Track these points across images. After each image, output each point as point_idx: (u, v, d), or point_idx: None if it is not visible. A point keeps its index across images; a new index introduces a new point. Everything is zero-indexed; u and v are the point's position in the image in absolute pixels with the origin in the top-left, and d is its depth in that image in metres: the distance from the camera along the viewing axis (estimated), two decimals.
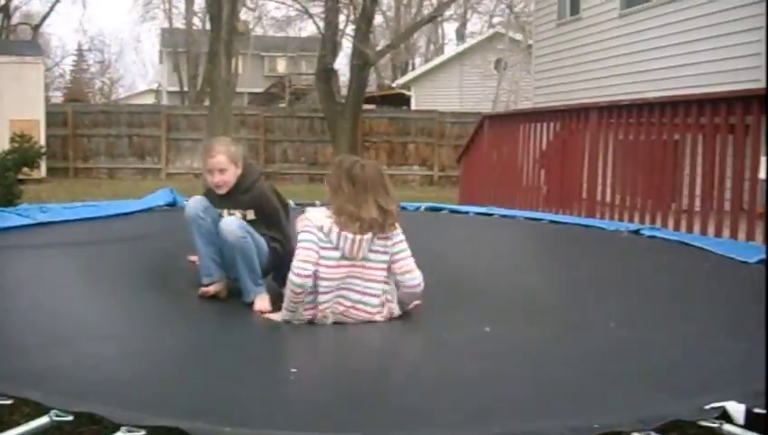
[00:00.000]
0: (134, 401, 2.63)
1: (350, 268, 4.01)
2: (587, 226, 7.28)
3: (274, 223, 4.66)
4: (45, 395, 2.58)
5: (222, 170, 4.60)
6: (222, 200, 4.64)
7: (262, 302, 4.37)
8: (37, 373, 2.91)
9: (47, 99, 23.82)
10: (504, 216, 8.02)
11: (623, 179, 8.67)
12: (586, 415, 2.59)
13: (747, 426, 2.56)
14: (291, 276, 3.93)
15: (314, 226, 3.99)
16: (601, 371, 3.20)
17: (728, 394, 2.69)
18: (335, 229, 3.96)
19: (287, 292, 3.98)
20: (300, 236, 4.02)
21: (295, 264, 3.94)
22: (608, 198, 8.89)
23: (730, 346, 3.47)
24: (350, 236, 3.95)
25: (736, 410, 2.62)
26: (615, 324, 3.88)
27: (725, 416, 2.60)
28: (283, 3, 26.52)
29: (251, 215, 4.61)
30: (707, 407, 2.62)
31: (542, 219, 7.77)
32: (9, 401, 2.59)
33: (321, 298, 3.98)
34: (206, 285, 4.51)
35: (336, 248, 3.97)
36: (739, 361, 3.21)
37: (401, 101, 30.73)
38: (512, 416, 2.70)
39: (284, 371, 3.26)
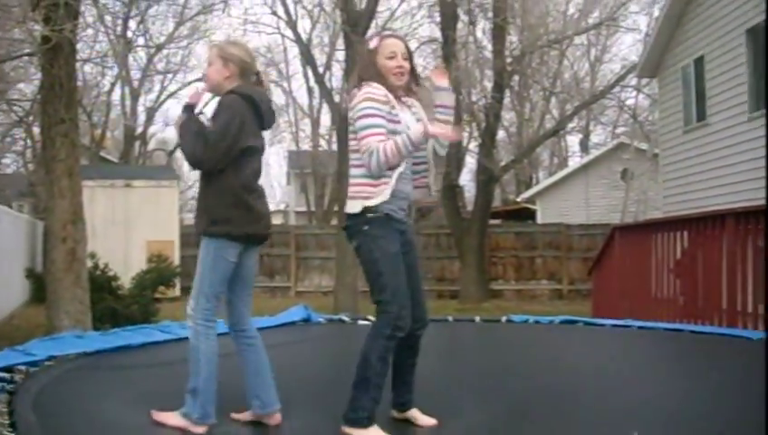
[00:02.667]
0: None
1: None
2: (731, 335, 7.03)
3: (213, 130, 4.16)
4: None
5: (208, 63, 4.36)
6: None
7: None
8: None
9: (181, 220, 24.72)
10: (641, 327, 7.82)
11: (765, 287, 8.36)
12: None
13: None
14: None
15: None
16: None
17: None
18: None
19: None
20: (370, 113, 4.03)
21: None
22: (749, 308, 8.57)
23: None
24: None
25: None
26: None
27: None
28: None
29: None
30: None
31: (682, 330, 7.54)
32: None
33: None
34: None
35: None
36: None
37: (527, 215, 30.64)
38: None
39: None
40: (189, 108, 4.29)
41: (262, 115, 4.30)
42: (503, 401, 4.63)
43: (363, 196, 4.04)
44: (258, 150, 4.35)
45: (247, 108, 4.19)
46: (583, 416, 4.39)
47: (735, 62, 13.50)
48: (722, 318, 8.90)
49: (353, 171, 4.13)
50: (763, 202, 9.70)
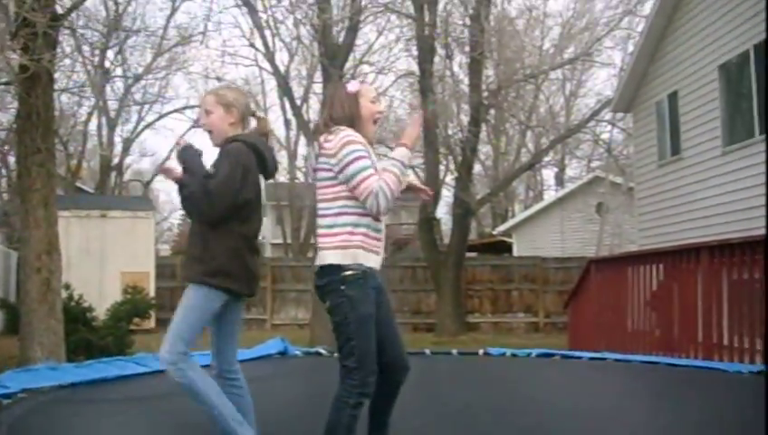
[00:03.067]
0: None
1: None
2: (707, 368, 7.06)
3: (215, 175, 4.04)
4: None
5: (207, 112, 4.24)
6: None
7: None
8: None
9: (157, 252, 24.61)
10: (618, 360, 7.84)
11: (740, 320, 8.41)
12: None
13: None
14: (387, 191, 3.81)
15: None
16: None
17: None
18: None
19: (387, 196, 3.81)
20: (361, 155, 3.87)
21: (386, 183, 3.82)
22: (725, 341, 8.61)
23: None
24: None
25: None
26: None
27: None
28: (384, 155, 27.07)
29: None
30: None
31: (658, 362, 7.57)
32: None
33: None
34: None
35: None
36: None
37: (503, 248, 30.71)
38: None
39: None
40: (188, 158, 4.18)
41: (266, 164, 4.24)
42: None
43: (341, 246, 3.83)
44: (260, 201, 4.26)
45: (252, 156, 4.11)
46: None
47: (708, 97, 13.67)
48: (698, 350, 8.94)
49: (327, 220, 3.90)
50: (732, 236, 9.80)
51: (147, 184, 37.11)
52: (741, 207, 12.43)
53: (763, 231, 9.11)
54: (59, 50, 12.12)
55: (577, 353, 8.46)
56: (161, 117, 33.80)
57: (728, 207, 12.81)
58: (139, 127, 34.05)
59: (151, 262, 21.08)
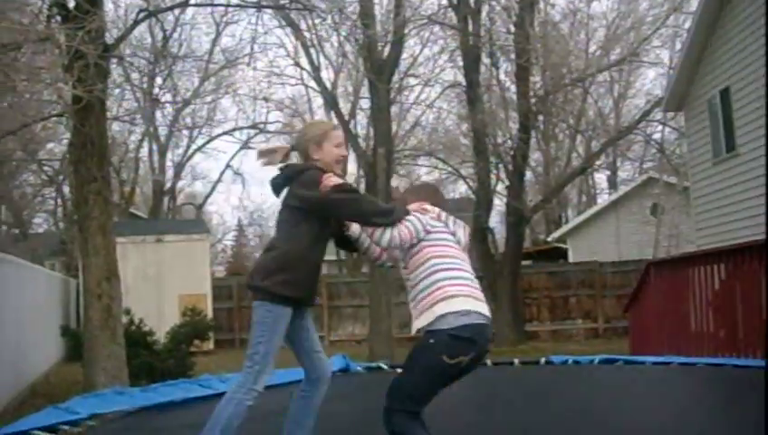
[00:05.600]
0: None
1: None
2: None
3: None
4: None
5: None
6: None
7: None
8: None
9: (212, 273, 24.85)
10: (683, 363, 7.71)
11: None
12: None
13: None
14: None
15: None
16: None
17: None
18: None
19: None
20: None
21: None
22: None
23: None
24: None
25: None
26: None
27: None
28: (435, 167, 27.05)
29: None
30: None
31: (723, 365, 7.43)
32: None
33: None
34: None
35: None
36: None
37: (558, 254, 30.48)
38: None
39: None
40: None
41: None
42: None
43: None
44: None
45: None
46: None
47: (761, 92, 13.44)
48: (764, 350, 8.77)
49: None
50: None
51: (200, 207, 37.46)
52: None
53: None
54: (109, 79, 12.30)
55: (640, 358, 8.32)
56: (211, 140, 34.08)
57: None
58: (190, 151, 34.40)
59: (208, 284, 21.27)
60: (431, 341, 4.02)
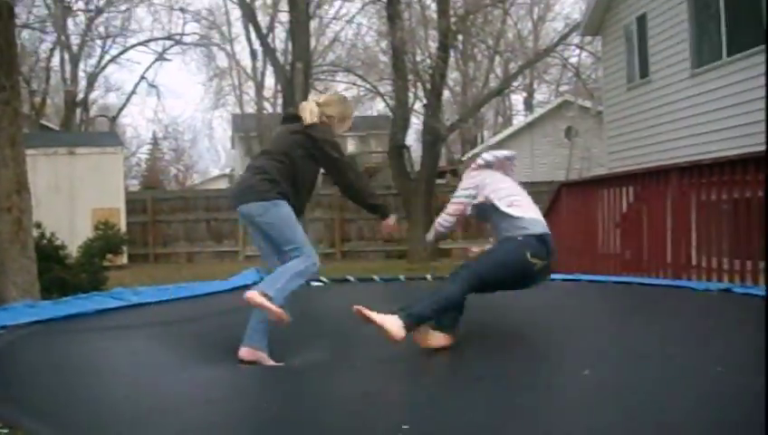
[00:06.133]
0: None
1: None
2: (676, 286, 7.19)
3: None
4: None
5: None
6: None
7: None
8: None
9: (126, 187, 24.53)
10: (591, 281, 7.96)
11: (709, 240, 8.56)
12: None
13: None
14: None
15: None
16: (714, 417, 3.13)
17: None
18: None
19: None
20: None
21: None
22: (694, 260, 8.76)
23: None
24: None
25: None
26: (722, 369, 3.80)
27: None
28: (353, 83, 26.92)
29: None
30: None
31: (630, 283, 7.69)
32: None
33: None
34: None
35: None
36: None
37: None
38: None
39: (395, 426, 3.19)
40: None
41: None
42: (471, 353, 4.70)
43: None
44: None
45: None
46: (544, 355, 4.52)
47: (677, 20, 13.66)
48: (667, 271, 9.10)
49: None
50: (702, 157, 9.90)
51: (114, 119, 36.69)
52: (709, 129, 12.53)
53: (732, 151, 9.23)
54: None
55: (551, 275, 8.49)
56: (125, 50, 33.39)
57: (697, 129, 12.91)
58: (103, 61, 33.56)
59: (121, 198, 21.00)
60: (520, 238, 4.75)
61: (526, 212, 4.93)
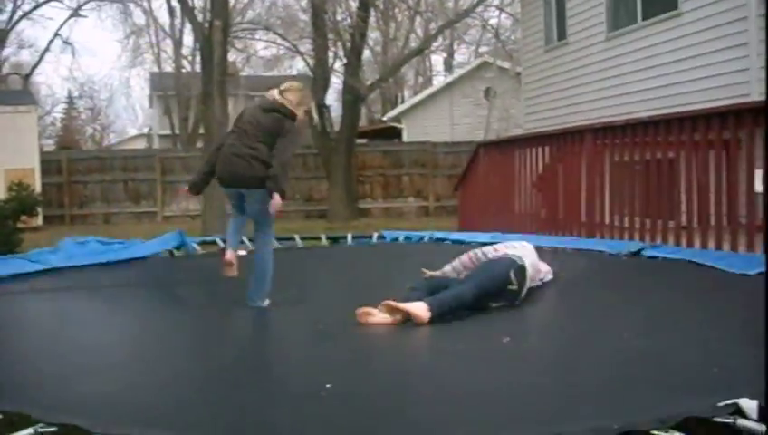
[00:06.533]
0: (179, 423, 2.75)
1: None
2: (588, 249, 7.39)
3: None
4: (87, 420, 2.68)
5: None
6: None
7: None
8: (76, 400, 3.02)
9: (40, 147, 23.95)
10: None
11: (621, 200, 8.79)
12: (605, 417, 2.69)
13: (760, 420, 2.67)
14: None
15: None
16: (619, 375, 3.30)
17: (741, 393, 2.80)
18: None
19: None
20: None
21: None
22: (607, 219, 9.00)
23: (738, 351, 3.57)
24: None
25: (749, 406, 2.73)
26: (628, 334, 3.98)
27: (739, 412, 2.70)
28: (273, 42, 26.66)
29: None
30: (721, 404, 2.73)
31: (544, 246, 7.88)
32: (53, 428, 2.70)
33: None
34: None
35: None
36: (748, 363, 3.31)
37: (393, 134, 30.84)
38: (533, 421, 2.80)
39: (317, 386, 3.28)
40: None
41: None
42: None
43: None
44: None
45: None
46: (464, 325, 4.65)
47: None
48: (581, 229, 9.33)
49: None
50: (615, 118, 10.13)
51: (27, 77, 35.69)
52: (623, 91, 12.82)
53: (646, 113, 9.48)
54: None
55: (468, 237, 8.65)
56: (38, 6, 32.36)
57: (611, 91, 13.19)
58: (15, 17, 32.54)
59: (36, 158, 20.53)
60: (509, 260, 5.21)
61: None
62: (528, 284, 5.21)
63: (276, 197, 5.58)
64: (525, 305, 5.03)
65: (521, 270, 5.17)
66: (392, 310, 4.70)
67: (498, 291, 5.05)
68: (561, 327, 4.46)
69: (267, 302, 5.56)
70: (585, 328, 4.32)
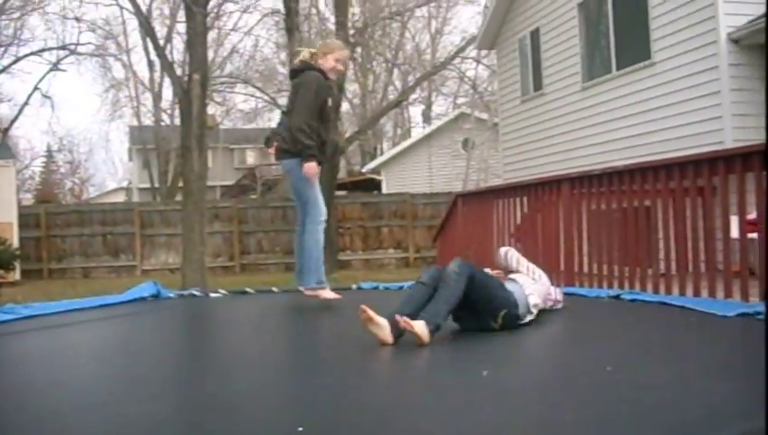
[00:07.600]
0: None
1: None
2: (568, 293, 7.39)
3: None
4: None
5: None
6: None
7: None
8: None
9: (18, 201, 23.85)
10: None
11: (599, 248, 8.81)
12: None
13: None
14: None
15: None
16: (600, 413, 3.26)
17: (720, 430, 2.78)
18: None
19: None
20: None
21: None
22: (585, 268, 9.01)
23: (719, 387, 3.56)
24: None
25: None
26: (611, 369, 3.96)
27: None
28: (251, 95, 26.81)
29: None
30: None
31: None
32: None
33: None
34: None
35: None
36: (729, 399, 3.30)
37: (372, 186, 30.98)
38: None
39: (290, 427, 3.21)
40: None
41: None
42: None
43: None
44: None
45: None
46: (444, 358, 4.62)
47: (569, 35, 14.08)
48: (560, 278, 9.33)
49: None
50: (592, 167, 10.19)
51: (5, 131, 35.64)
52: (599, 140, 12.94)
53: (621, 162, 9.54)
54: None
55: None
56: (18, 60, 32.38)
57: (588, 140, 13.31)
58: None
59: (14, 212, 20.44)
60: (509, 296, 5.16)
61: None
62: (528, 316, 5.23)
63: (306, 165, 5.67)
64: (501, 338, 5.02)
65: (509, 316, 5.09)
66: (395, 323, 4.60)
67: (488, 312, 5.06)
68: (541, 361, 4.44)
69: (325, 285, 5.84)
70: (567, 361, 4.31)
